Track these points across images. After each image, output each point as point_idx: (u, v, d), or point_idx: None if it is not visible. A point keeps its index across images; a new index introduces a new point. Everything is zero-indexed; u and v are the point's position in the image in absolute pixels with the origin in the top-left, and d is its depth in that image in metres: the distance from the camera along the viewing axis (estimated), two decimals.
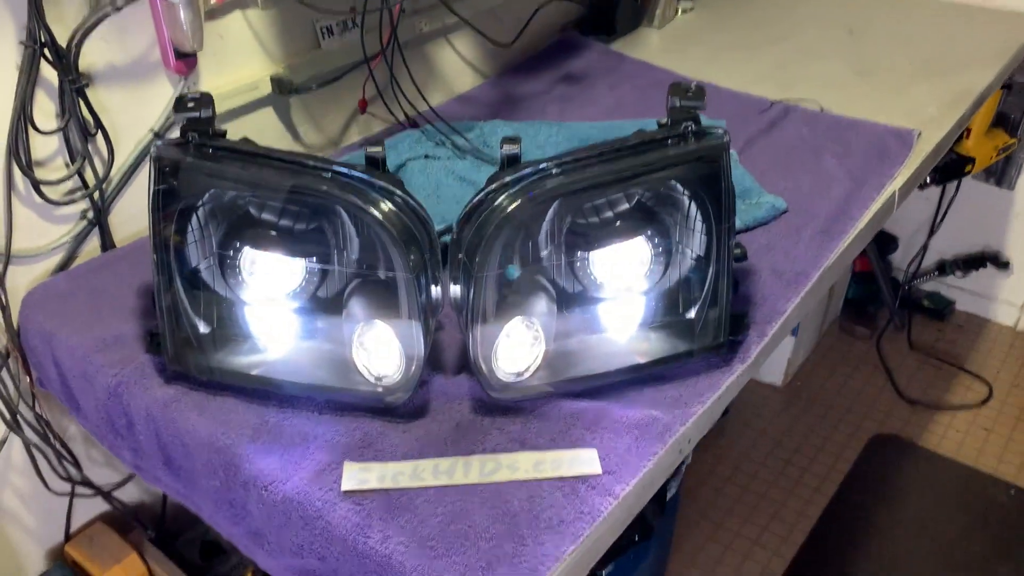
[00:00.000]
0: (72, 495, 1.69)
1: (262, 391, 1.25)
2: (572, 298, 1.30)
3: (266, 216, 1.26)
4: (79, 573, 1.70)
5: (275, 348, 1.26)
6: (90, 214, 1.55)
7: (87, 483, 1.68)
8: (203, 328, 1.28)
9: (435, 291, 1.19)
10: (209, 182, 1.21)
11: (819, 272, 1.51)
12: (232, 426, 1.20)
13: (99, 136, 1.50)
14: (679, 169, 1.22)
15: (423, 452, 1.16)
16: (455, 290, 1.20)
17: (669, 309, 1.30)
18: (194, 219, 1.25)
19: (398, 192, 1.17)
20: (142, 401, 1.26)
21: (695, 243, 1.30)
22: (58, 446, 1.60)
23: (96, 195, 1.53)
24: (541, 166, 1.18)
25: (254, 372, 1.24)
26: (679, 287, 1.31)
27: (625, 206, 1.28)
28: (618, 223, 1.27)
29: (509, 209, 1.14)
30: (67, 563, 1.72)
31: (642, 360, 1.26)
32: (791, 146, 1.90)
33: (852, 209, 1.67)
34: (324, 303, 1.28)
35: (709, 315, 1.29)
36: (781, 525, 2.40)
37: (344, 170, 1.17)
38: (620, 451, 1.15)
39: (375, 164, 1.22)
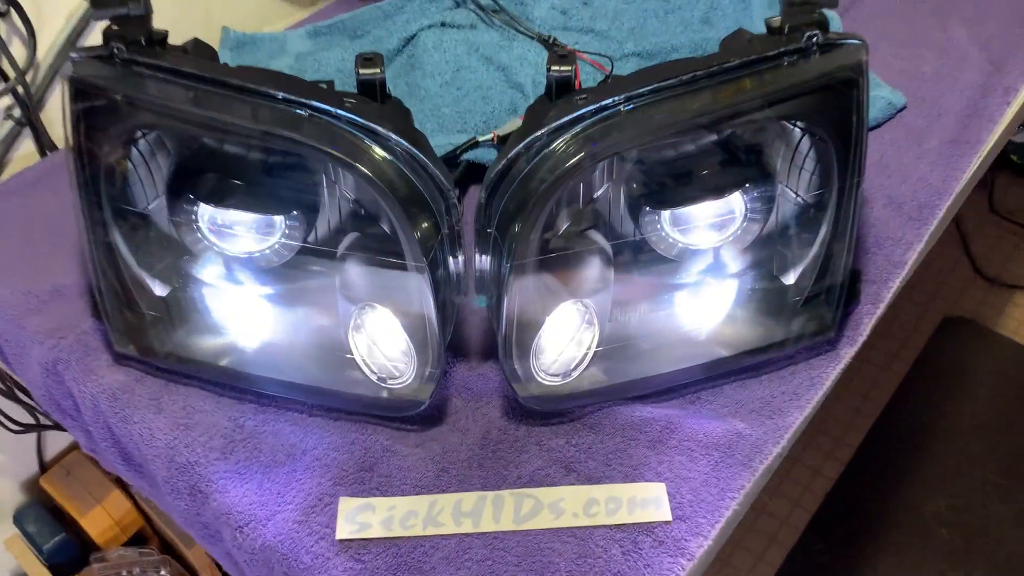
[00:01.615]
0: (39, 427, 1.47)
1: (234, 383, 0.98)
2: (632, 251, 0.99)
3: (230, 149, 0.93)
4: (56, 511, 1.52)
5: (248, 331, 0.98)
6: (16, 112, 1.22)
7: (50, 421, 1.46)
8: (159, 290, 1.00)
9: (454, 265, 0.89)
10: (141, 117, 0.88)
11: (949, 202, 1.17)
12: (198, 433, 0.94)
13: (13, 14, 1.14)
14: (799, 103, 0.87)
15: (440, 479, 0.90)
16: (483, 262, 0.90)
17: (762, 275, 0.99)
18: (139, 145, 0.93)
19: (402, 144, 0.83)
20: (86, 388, 0.99)
21: (801, 185, 0.97)
22: (10, 385, 1.36)
23: (20, 88, 1.19)
24: (606, 101, 0.83)
25: (222, 363, 0.96)
26: (774, 241, 0.99)
27: (713, 137, 0.94)
28: (703, 169, 0.93)
29: (560, 173, 0.81)
30: (44, 498, 1.53)
31: (726, 353, 0.96)
32: (906, 6, 1.49)
33: (989, 107, 1.29)
34: (312, 262, 0.98)
35: (816, 288, 0.98)
36: (837, 425, 2.18)
37: (327, 108, 0.83)
38: (695, 484, 0.89)
39: (371, 92, 0.88)
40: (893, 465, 2.11)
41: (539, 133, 0.83)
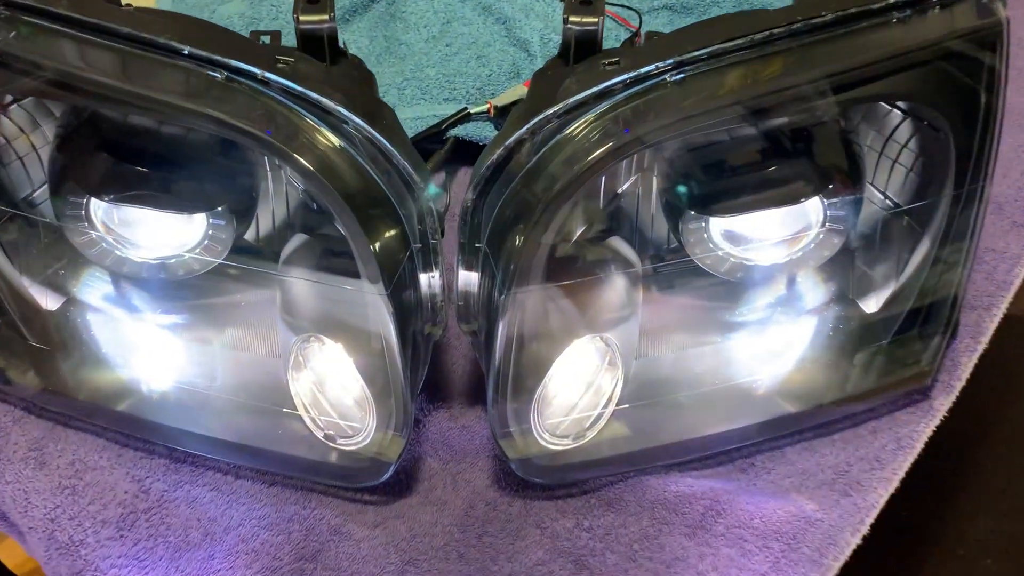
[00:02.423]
0: None
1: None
2: (665, 275, 0.76)
3: (135, 120, 0.69)
4: None
5: (154, 366, 0.74)
6: None
7: None
8: (49, 302, 0.76)
9: (428, 282, 0.65)
10: (18, 81, 0.63)
11: None
12: (88, 499, 0.70)
13: None
14: (912, 77, 0.62)
15: (406, 574, 0.67)
16: (467, 279, 0.66)
17: (837, 302, 0.76)
18: (15, 113, 0.69)
19: (355, 122, 0.59)
20: None
21: (893, 186, 0.73)
22: None
23: None
24: (647, 68, 0.59)
25: (120, 407, 0.73)
26: (852, 257, 0.76)
27: (775, 128, 0.69)
28: (770, 164, 0.69)
29: (579, 171, 0.57)
30: None
31: (792, 408, 0.73)
32: None
33: None
34: (246, 273, 0.75)
35: (909, 320, 0.74)
36: None
37: (250, 69, 0.59)
38: None
39: (316, 48, 0.63)
40: (937, 480, 1.89)
41: (550, 112, 0.58)
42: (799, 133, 0.68)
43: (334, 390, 0.69)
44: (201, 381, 0.72)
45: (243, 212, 0.73)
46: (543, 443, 0.69)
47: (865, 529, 0.69)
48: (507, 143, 0.59)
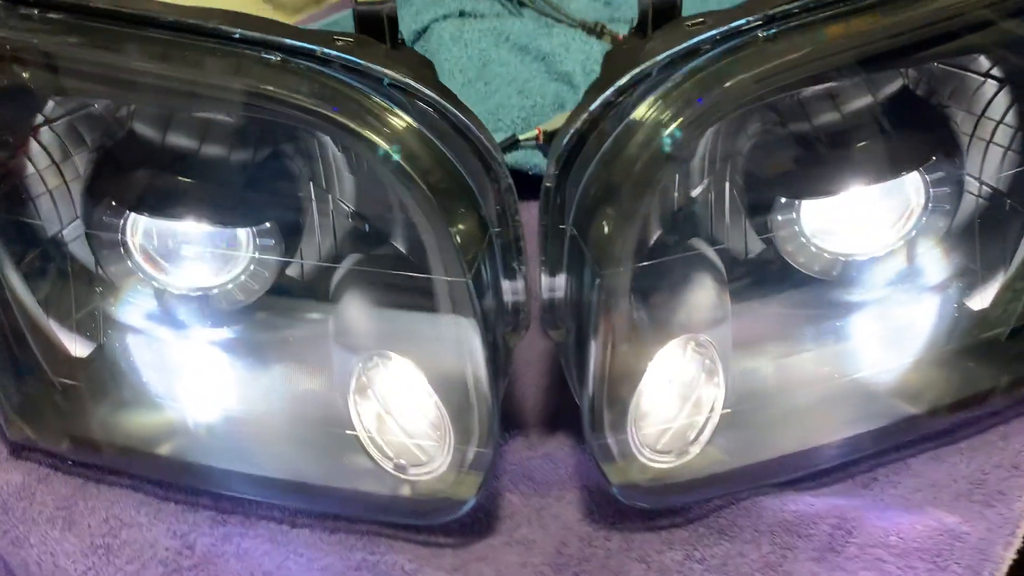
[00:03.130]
0: None
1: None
2: (753, 267, 0.69)
3: (174, 139, 0.64)
4: None
5: (199, 403, 0.66)
6: None
7: None
8: (79, 348, 0.69)
9: (511, 288, 0.58)
10: (49, 82, 0.59)
11: None
12: (125, 559, 0.62)
13: None
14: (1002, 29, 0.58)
15: None
16: (553, 279, 0.59)
17: (949, 295, 0.69)
18: (43, 138, 0.64)
19: (426, 93, 0.53)
20: None
21: (990, 167, 0.67)
22: None
23: None
24: (736, 23, 0.54)
25: (162, 450, 0.65)
26: (958, 247, 0.69)
27: (866, 100, 0.64)
28: (862, 139, 0.63)
29: (684, 120, 0.51)
30: None
31: (914, 410, 0.65)
32: None
33: None
34: (294, 301, 0.68)
35: None
36: None
37: (312, 48, 0.54)
38: None
39: (376, 31, 0.58)
40: None
41: (640, 69, 0.53)
42: (894, 101, 0.63)
43: (404, 412, 0.61)
44: (252, 414, 0.65)
45: (289, 234, 0.67)
46: (644, 461, 0.61)
47: (1018, 542, 0.60)
48: (591, 109, 0.54)
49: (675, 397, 0.62)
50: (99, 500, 0.66)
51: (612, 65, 0.60)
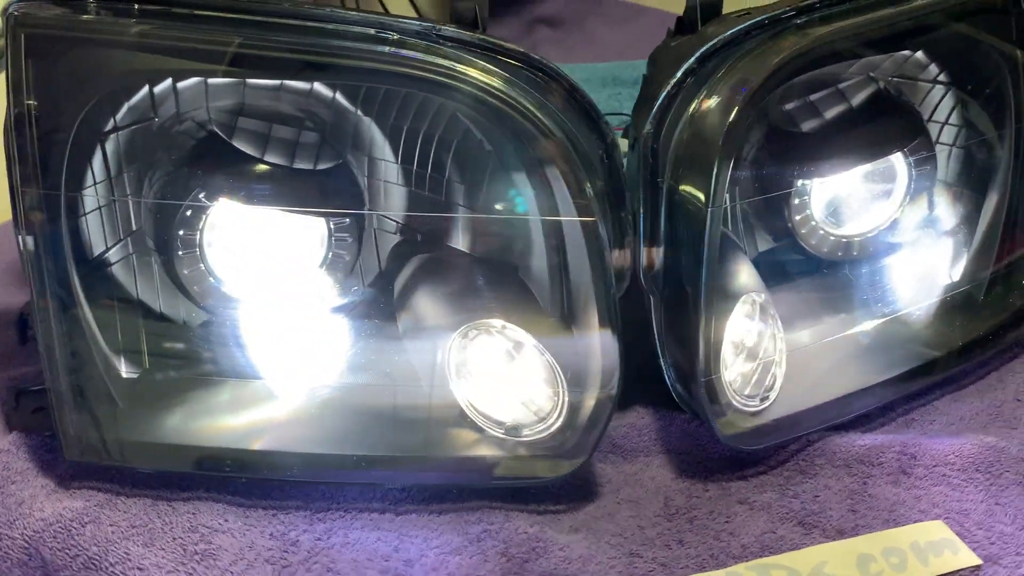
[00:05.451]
0: None
1: (268, 482, 0.63)
2: (771, 263, 0.78)
3: (243, 144, 0.65)
4: None
5: (284, 394, 0.65)
6: None
7: None
8: (126, 371, 0.65)
9: (619, 255, 0.62)
10: (140, 63, 0.59)
11: None
12: (228, 561, 0.58)
13: None
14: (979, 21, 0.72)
15: (634, 566, 0.59)
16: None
17: (942, 270, 0.80)
18: (96, 159, 0.63)
19: (538, 59, 0.60)
20: (18, 530, 0.61)
21: (951, 166, 0.81)
22: None
23: None
24: (777, 12, 0.65)
25: (253, 445, 0.62)
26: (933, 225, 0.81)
27: (842, 105, 0.77)
28: (858, 125, 0.75)
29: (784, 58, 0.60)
30: None
31: (935, 352, 0.74)
32: None
33: None
34: (362, 301, 0.69)
35: (999, 276, 0.79)
36: None
37: (426, 25, 0.59)
38: (979, 516, 0.63)
39: (469, 22, 0.64)
40: None
41: (712, 43, 0.62)
42: (876, 101, 0.75)
43: (510, 375, 0.62)
44: (346, 395, 0.64)
45: (358, 240, 0.69)
46: (739, 408, 0.65)
47: None
48: (677, 75, 0.62)
49: (748, 348, 0.68)
50: (177, 515, 0.61)
51: (665, 57, 0.68)
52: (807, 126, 0.75)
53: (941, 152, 0.78)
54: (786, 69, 0.62)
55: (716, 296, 0.63)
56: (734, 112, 0.59)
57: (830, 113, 0.75)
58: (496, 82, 0.57)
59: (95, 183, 0.64)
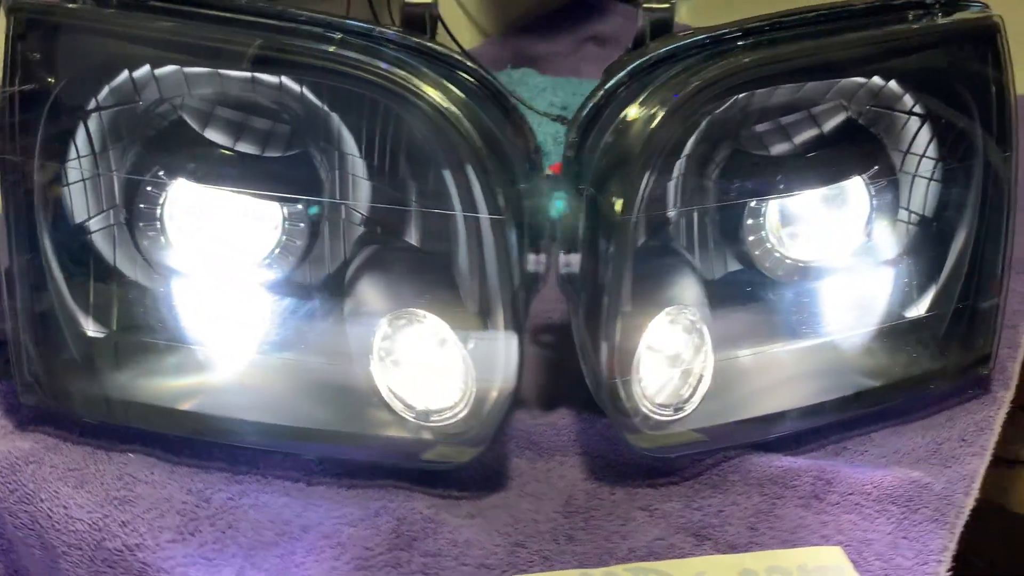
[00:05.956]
0: None
1: (199, 443, 0.68)
2: (726, 283, 0.78)
3: (213, 133, 0.71)
4: None
5: (224, 362, 0.70)
6: None
7: None
8: (94, 331, 0.71)
9: (534, 259, 0.65)
10: (125, 52, 0.65)
11: None
12: (142, 508, 0.62)
13: None
14: (940, 53, 0.72)
15: (515, 555, 0.61)
16: (567, 260, 0.66)
17: (897, 301, 0.79)
18: (79, 136, 0.69)
19: (469, 64, 0.63)
20: None
21: (916, 197, 0.79)
22: None
23: None
24: (719, 32, 0.66)
25: (185, 406, 0.67)
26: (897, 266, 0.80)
27: (813, 131, 0.77)
28: (816, 150, 0.75)
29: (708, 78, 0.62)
30: None
31: (873, 382, 0.73)
32: None
33: None
34: (312, 283, 0.73)
35: (963, 314, 0.77)
36: None
37: (368, 27, 0.63)
38: (880, 547, 0.62)
39: (418, 26, 0.68)
40: None
41: (645, 58, 0.64)
42: (841, 129, 0.75)
43: (425, 363, 0.66)
44: (275, 363, 0.68)
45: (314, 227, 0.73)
46: (648, 414, 0.66)
47: (975, 493, 0.67)
48: (606, 87, 0.64)
49: (667, 359, 0.69)
50: (110, 464, 0.66)
51: (611, 71, 0.70)
52: (776, 149, 0.76)
53: (907, 183, 0.77)
54: (712, 89, 0.63)
55: (630, 303, 0.64)
56: (655, 122, 0.61)
57: (799, 137, 0.76)
58: (422, 84, 0.60)
59: (79, 156, 0.70)
